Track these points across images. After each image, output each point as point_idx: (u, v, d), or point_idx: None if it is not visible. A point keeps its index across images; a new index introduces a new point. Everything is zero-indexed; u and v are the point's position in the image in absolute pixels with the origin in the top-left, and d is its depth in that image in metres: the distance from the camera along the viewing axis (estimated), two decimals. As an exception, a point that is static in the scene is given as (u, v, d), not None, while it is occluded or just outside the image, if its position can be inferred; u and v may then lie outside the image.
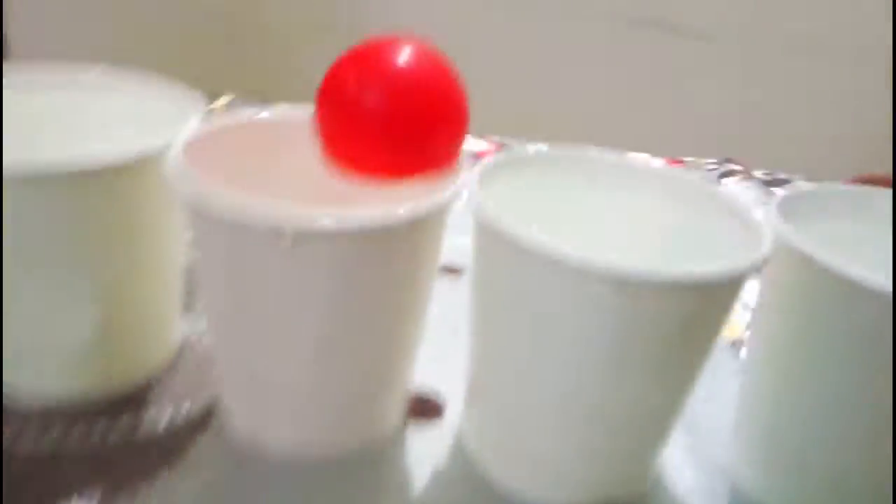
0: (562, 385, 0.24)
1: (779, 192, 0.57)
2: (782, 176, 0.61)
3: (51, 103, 0.31)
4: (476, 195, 0.24)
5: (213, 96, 0.65)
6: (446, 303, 0.30)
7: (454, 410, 0.30)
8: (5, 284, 0.25)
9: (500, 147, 0.63)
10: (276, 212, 0.21)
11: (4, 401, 0.28)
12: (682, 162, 0.62)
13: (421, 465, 0.28)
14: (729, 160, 0.62)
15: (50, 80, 0.31)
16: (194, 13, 1.15)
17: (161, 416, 0.29)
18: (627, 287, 0.20)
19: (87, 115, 0.31)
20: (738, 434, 0.28)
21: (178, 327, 0.32)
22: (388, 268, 0.23)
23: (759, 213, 0.25)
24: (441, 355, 0.31)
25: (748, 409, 0.27)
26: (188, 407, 0.29)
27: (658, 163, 0.29)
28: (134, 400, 0.29)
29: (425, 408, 0.30)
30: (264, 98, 0.67)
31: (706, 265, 0.21)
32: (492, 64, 1.19)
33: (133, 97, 0.31)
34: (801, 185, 0.28)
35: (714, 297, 0.22)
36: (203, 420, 0.29)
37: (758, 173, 0.61)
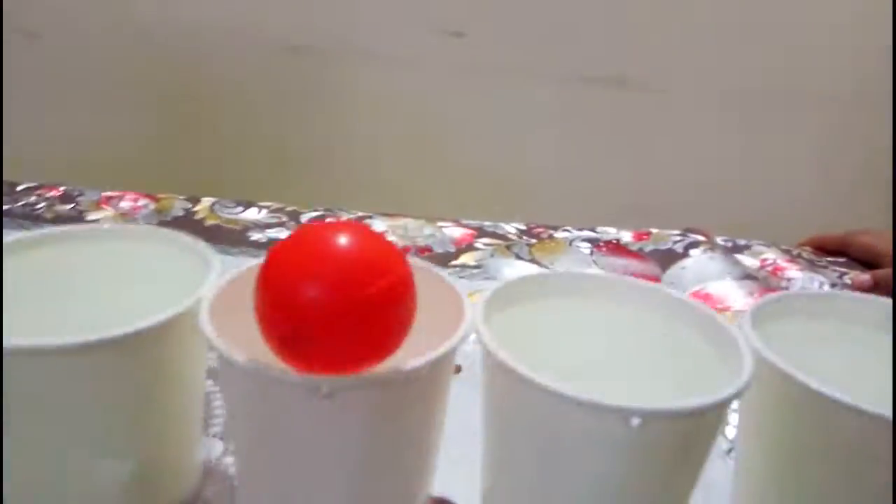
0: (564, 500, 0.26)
1: (743, 259, 0.61)
2: (742, 242, 0.65)
3: (73, 257, 0.33)
4: (482, 333, 0.26)
5: (194, 200, 0.68)
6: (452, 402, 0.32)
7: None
8: (51, 443, 0.27)
9: (477, 231, 0.66)
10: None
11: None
12: (648, 235, 0.66)
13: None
14: (691, 230, 0.66)
15: (72, 233, 0.33)
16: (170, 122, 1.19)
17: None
18: (633, 419, 0.23)
19: (108, 270, 0.33)
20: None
21: (199, 456, 0.34)
22: (412, 408, 0.26)
23: (735, 330, 0.28)
24: (452, 456, 0.33)
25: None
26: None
27: (644, 283, 0.32)
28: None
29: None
30: (242, 198, 0.70)
31: (695, 386, 0.24)
32: (453, 135, 1.23)
33: (150, 251, 0.33)
34: (770, 296, 0.31)
35: (707, 420, 0.24)
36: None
37: (719, 240, 0.65)
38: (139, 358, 0.27)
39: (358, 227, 0.25)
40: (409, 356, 0.25)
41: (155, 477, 0.30)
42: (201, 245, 0.32)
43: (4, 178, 0.70)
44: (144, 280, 0.33)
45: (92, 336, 0.25)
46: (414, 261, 0.26)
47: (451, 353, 0.26)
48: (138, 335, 0.26)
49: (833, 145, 1.10)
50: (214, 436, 0.36)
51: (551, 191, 1.20)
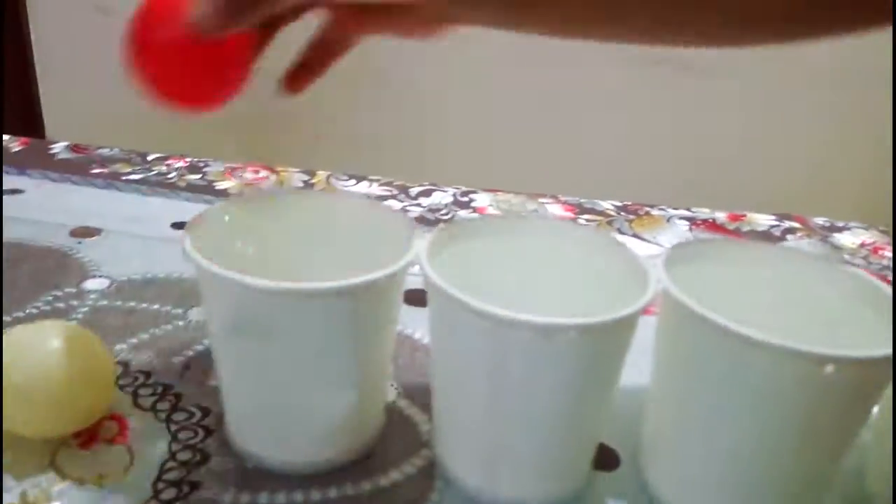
0: (744, 445, 0.30)
1: (841, 238, 0.63)
2: (841, 223, 0.67)
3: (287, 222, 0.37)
4: (667, 283, 0.30)
5: (311, 173, 0.72)
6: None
7: (628, 461, 0.36)
8: (287, 379, 0.31)
9: (577, 208, 0.70)
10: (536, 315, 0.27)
11: (267, 469, 0.34)
12: (743, 216, 0.69)
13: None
14: (787, 216, 0.68)
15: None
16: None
17: (389, 474, 0.34)
18: (828, 366, 0.26)
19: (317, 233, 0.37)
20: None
21: (386, 397, 0.38)
22: (614, 354, 0.29)
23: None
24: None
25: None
26: (408, 465, 0.35)
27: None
28: (365, 463, 0.35)
29: (605, 459, 0.36)
30: (353, 174, 0.74)
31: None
32: (512, 115, 1.26)
33: (354, 217, 0.37)
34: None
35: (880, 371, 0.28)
36: (425, 478, 0.34)
37: (820, 220, 0.67)
38: (364, 303, 0.31)
39: None
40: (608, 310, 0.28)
41: (363, 411, 0.34)
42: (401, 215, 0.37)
43: (122, 146, 0.75)
44: (349, 238, 0.37)
45: (336, 282, 0.29)
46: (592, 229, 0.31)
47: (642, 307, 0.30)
48: (369, 284, 0.30)
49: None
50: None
51: (613, 171, 1.22)
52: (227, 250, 0.34)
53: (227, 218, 0.35)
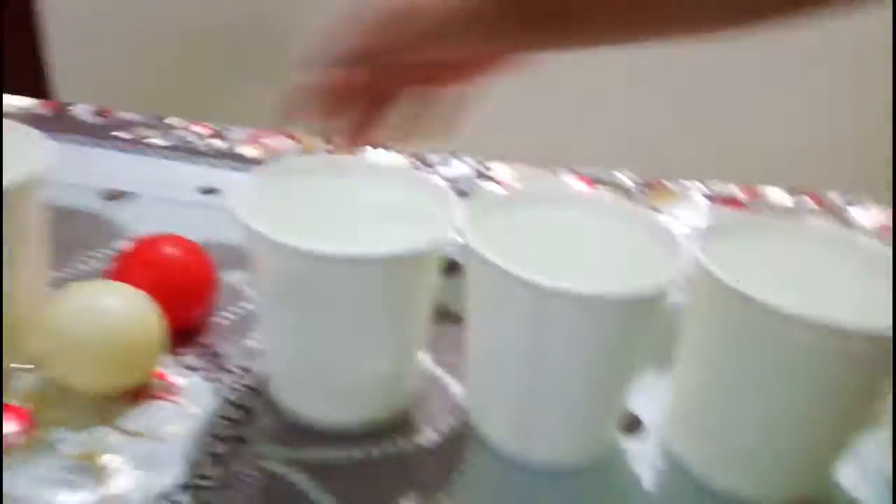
0: (772, 415, 0.31)
1: (856, 214, 0.64)
2: (856, 202, 0.68)
3: (329, 188, 0.38)
4: (700, 255, 0.31)
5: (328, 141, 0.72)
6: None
7: (654, 429, 0.38)
8: (331, 342, 0.33)
9: (594, 183, 0.70)
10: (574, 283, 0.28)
11: (310, 427, 0.35)
12: (758, 191, 0.70)
13: (639, 473, 0.35)
14: (802, 193, 0.69)
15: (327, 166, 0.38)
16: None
17: (425, 434, 0.36)
18: (838, 336, 0.27)
19: (359, 201, 0.37)
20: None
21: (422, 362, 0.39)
22: (649, 323, 0.31)
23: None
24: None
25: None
26: (443, 426, 0.37)
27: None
28: (402, 423, 0.36)
29: (632, 427, 0.38)
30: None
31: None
32: (523, 87, 1.26)
33: (394, 186, 0.38)
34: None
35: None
36: (459, 440, 0.36)
37: (834, 195, 0.68)
38: (407, 271, 0.32)
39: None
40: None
41: (400, 375, 0.36)
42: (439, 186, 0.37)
43: (143, 108, 0.75)
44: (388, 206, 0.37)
45: (383, 250, 0.30)
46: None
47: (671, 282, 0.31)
48: (413, 252, 0.31)
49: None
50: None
51: (625, 144, 1.22)
52: (270, 216, 0.34)
53: (269, 184, 0.35)
